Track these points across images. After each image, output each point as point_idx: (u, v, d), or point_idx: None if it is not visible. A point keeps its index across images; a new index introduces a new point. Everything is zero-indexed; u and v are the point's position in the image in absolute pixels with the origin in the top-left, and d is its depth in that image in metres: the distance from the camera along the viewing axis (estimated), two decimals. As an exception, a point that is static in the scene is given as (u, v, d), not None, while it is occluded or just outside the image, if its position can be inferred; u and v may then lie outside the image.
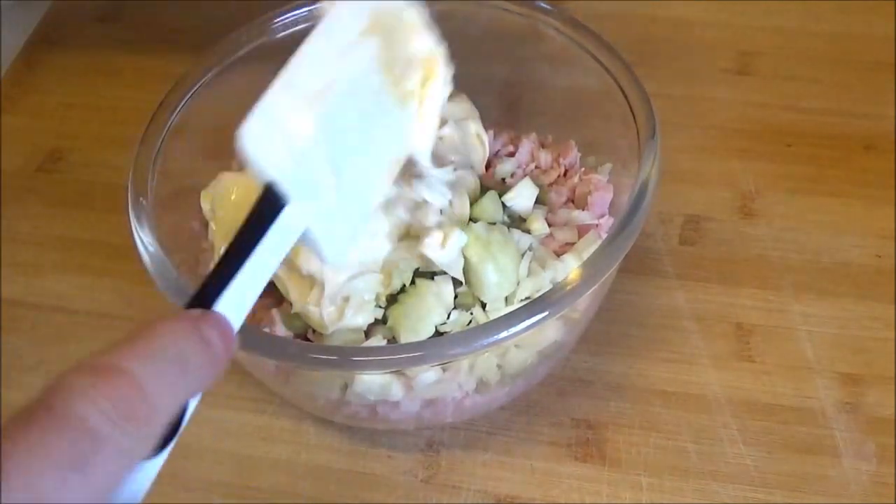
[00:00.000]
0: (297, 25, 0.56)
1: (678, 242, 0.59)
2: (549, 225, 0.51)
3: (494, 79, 0.59)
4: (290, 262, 0.46)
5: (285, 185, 0.35)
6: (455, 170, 0.50)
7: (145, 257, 0.46)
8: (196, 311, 0.32)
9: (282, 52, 0.56)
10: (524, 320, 0.42)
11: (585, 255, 0.47)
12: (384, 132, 0.39)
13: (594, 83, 0.52)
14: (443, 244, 0.46)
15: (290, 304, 0.48)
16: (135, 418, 0.27)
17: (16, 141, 0.68)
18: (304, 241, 0.36)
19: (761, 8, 0.71)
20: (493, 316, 0.47)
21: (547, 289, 0.46)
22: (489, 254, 0.46)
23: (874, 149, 0.62)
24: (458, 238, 0.46)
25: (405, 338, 0.46)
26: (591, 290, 0.44)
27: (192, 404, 0.33)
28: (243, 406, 0.54)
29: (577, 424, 0.52)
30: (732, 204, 0.60)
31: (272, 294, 0.49)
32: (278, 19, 0.56)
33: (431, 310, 0.46)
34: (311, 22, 0.56)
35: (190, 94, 0.53)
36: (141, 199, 0.48)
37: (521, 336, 0.42)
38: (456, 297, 0.47)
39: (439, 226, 0.46)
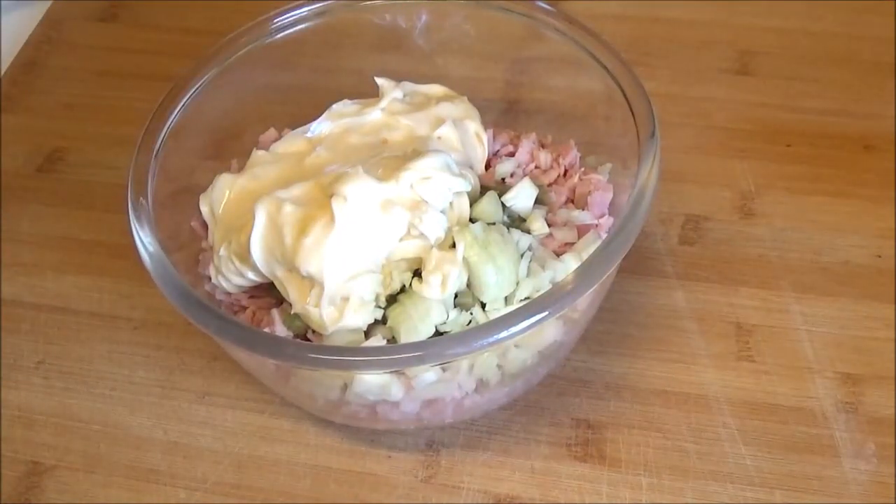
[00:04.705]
0: (296, 25, 0.56)
1: (678, 242, 0.59)
2: (549, 225, 0.51)
3: (494, 79, 0.59)
4: (289, 263, 0.46)
5: None
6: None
7: (145, 257, 0.46)
8: None
9: (282, 52, 0.56)
10: (524, 320, 0.42)
11: (585, 255, 0.47)
12: None
13: (594, 83, 0.52)
14: (442, 287, 0.46)
15: (290, 305, 0.48)
16: None
17: (16, 141, 0.68)
18: None
19: (761, 8, 0.71)
20: (493, 316, 0.47)
21: (547, 289, 0.46)
22: (488, 254, 0.46)
23: (874, 149, 0.62)
24: (456, 276, 0.46)
25: (405, 338, 0.46)
26: (591, 290, 0.44)
27: None
28: (243, 406, 0.54)
29: (577, 424, 0.52)
30: (732, 204, 0.60)
31: (272, 294, 0.49)
32: (278, 19, 0.56)
33: (431, 309, 0.46)
34: (312, 22, 0.56)
35: (190, 95, 0.53)
36: (141, 199, 0.48)
37: (521, 336, 0.42)
38: (456, 297, 0.47)
39: (437, 261, 0.46)
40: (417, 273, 0.47)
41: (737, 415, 0.51)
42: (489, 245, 0.46)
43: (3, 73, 0.73)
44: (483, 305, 0.47)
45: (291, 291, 0.47)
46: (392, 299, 0.47)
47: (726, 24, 0.70)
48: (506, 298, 0.47)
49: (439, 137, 0.52)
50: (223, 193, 0.51)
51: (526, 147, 0.56)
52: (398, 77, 0.55)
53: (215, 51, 0.55)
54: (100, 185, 0.64)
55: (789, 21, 0.70)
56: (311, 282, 0.46)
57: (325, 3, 0.56)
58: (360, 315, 0.46)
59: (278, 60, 0.57)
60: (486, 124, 0.55)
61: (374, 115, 0.53)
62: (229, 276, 0.49)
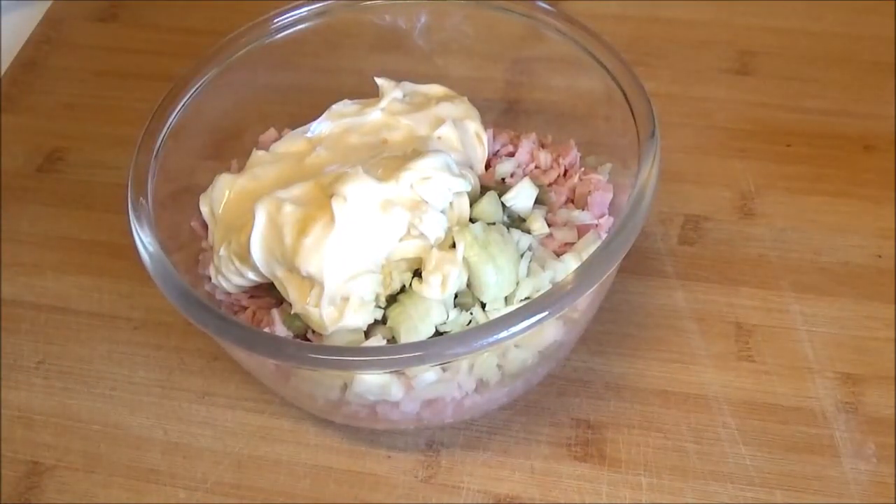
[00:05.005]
0: (296, 25, 0.56)
1: (678, 242, 0.59)
2: (549, 225, 0.51)
3: (494, 79, 0.59)
4: (289, 263, 0.46)
5: None
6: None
7: (145, 257, 0.46)
8: None
9: (282, 52, 0.56)
10: (524, 320, 0.42)
11: (585, 255, 0.47)
12: None
13: (594, 83, 0.52)
14: (442, 287, 0.46)
15: (290, 305, 0.48)
16: None
17: (16, 141, 0.68)
18: None
19: (761, 8, 0.71)
20: (493, 316, 0.47)
21: (547, 289, 0.46)
22: (488, 254, 0.46)
23: (874, 149, 0.62)
24: (456, 276, 0.46)
25: (405, 338, 0.46)
26: (591, 290, 0.44)
27: None
28: (243, 406, 0.54)
29: (577, 424, 0.52)
30: (732, 204, 0.60)
31: (272, 294, 0.49)
32: (278, 19, 0.56)
33: (431, 309, 0.46)
34: (312, 22, 0.56)
35: (190, 95, 0.53)
36: (141, 199, 0.48)
37: (521, 336, 0.42)
38: (456, 297, 0.47)
39: (437, 261, 0.46)
40: (417, 273, 0.47)
41: (737, 415, 0.51)
42: (489, 245, 0.47)
43: (3, 73, 0.73)
44: (483, 305, 0.47)
45: (291, 291, 0.47)
46: (392, 299, 0.47)
47: (726, 24, 0.70)
48: (506, 298, 0.47)
49: (439, 137, 0.52)
50: (223, 193, 0.51)
51: (526, 147, 0.56)
52: (398, 77, 0.55)
53: (215, 51, 0.55)
54: (100, 185, 0.64)
55: (789, 21, 0.70)
56: (311, 282, 0.46)
57: (325, 3, 0.56)
58: (360, 315, 0.46)
59: (278, 60, 0.57)
60: (486, 124, 0.55)
61: (374, 115, 0.53)
62: (229, 276, 0.49)
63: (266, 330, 0.48)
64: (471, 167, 0.52)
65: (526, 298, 0.47)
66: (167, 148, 0.51)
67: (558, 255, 0.50)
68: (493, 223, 0.49)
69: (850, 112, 0.64)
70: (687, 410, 0.52)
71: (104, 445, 0.53)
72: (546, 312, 0.42)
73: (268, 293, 0.50)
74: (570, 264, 0.49)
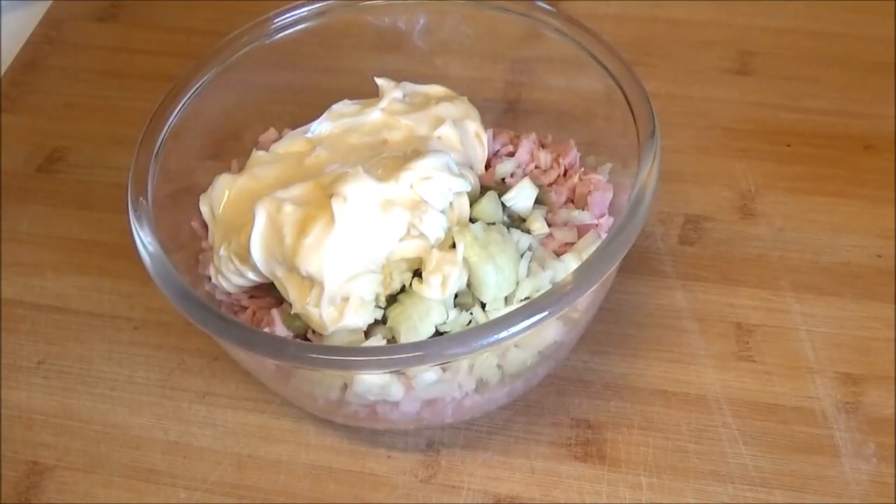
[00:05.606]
0: (297, 25, 0.56)
1: (678, 242, 0.59)
2: (549, 225, 0.51)
3: (494, 79, 0.59)
4: (289, 263, 0.46)
5: None
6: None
7: (145, 257, 0.46)
8: None
9: (282, 52, 0.57)
10: (524, 320, 0.42)
11: (585, 255, 0.47)
12: None
13: (594, 83, 0.52)
14: (442, 287, 0.46)
15: (290, 305, 0.48)
16: None
17: (16, 141, 0.68)
18: None
19: (761, 8, 0.71)
20: (493, 316, 0.47)
21: (547, 289, 0.46)
22: (488, 254, 0.46)
23: (874, 149, 0.62)
24: (456, 277, 0.46)
25: (405, 338, 0.46)
26: (590, 290, 0.44)
27: None
28: (243, 406, 0.54)
29: (577, 424, 0.52)
30: (732, 204, 0.60)
31: (272, 294, 0.49)
32: (278, 19, 0.56)
33: (431, 309, 0.46)
34: (311, 22, 0.57)
35: (189, 95, 0.53)
36: (141, 199, 0.48)
37: (521, 336, 0.42)
38: (456, 297, 0.47)
39: (437, 261, 0.46)
40: (417, 273, 0.47)
41: (737, 415, 0.51)
42: (489, 245, 0.47)
43: (3, 73, 0.73)
44: (483, 305, 0.47)
45: (291, 291, 0.47)
46: (392, 299, 0.47)
47: (726, 24, 0.70)
48: (506, 298, 0.47)
49: (439, 137, 0.52)
50: (223, 193, 0.51)
51: (526, 147, 0.56)
52: (398, 77, 0.55)
53: (215, 51, 0.55)
54: (100, 185, 0.64)
55: (789, 21, 0.70)
56: (311, 282, 0.46)
57: (325, 3, 0.57)
58: (360, 315, 0.46)
59: (278, 60, 0.57)
60: (486, 124, 0.55)
61: (374, 115, 0.53)
62: (229, 276, 0.50)
63: (266, 330, 0.48)
64: (471, 167, 0.52)
65: (526, 298, 0.47)
66: (167, 148, 0.51)
67: (558, 255, 0.50)
68: (493, 223, 0.49)
69: (850, 112, 0.64)
70: (687, 410, 0.52)
71: (104, 445, 0.53)
72: (546, 312, 0.42)
73: (268, 293, 0.50)
74: (570, 264, 0.49)
